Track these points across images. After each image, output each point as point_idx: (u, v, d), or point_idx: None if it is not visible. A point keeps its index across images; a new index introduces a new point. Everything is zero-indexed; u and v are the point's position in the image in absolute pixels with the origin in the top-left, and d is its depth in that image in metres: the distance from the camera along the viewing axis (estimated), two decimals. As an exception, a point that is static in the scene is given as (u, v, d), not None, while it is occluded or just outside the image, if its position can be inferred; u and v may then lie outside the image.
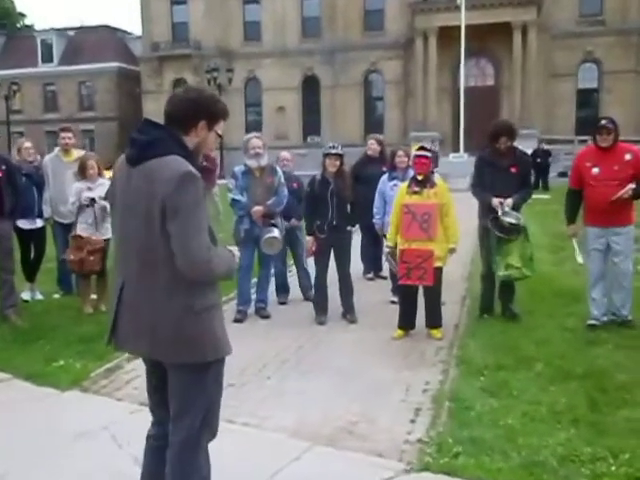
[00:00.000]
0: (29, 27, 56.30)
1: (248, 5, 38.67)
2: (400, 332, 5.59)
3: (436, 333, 5.51)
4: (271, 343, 5.46)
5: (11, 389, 4.53)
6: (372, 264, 8.05)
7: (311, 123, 38.10)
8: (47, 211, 6.96)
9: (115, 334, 2.49)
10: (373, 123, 35.41)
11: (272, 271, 6.79)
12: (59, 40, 45.22)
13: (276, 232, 5.84)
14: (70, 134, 7.20)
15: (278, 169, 6.32)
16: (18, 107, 42.75)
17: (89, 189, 6.23)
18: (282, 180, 6.24)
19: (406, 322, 5.60)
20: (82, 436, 3.66)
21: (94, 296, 6.52)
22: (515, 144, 5.86)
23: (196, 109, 2.39)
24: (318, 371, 4.76)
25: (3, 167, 5.94)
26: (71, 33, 46.55)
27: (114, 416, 3.93)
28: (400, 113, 35.99)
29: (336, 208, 5.97)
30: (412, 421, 3.87)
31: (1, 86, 36.21)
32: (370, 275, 8.03)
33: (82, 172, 6.29)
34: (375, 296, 6.96)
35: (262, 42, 38.47)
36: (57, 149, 7.18)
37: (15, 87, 36.96)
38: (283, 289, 7.05)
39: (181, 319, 2.35)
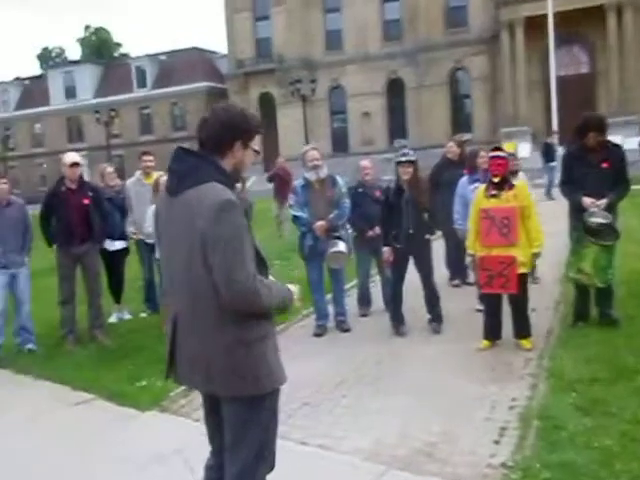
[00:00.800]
0: (125, 55, 59.74)
1: (329, 14, 39.02)
2: (486, 343, 5.27)
3: (525, 343, 5.15)
4: (349, 358, 5.30)
5: (93, 409, 4.65)
6: (458, 270, 7.72)
7: (397, 126, 37.76)
8: (131, 231, 7.17)
9: (173, 368, 2.44)
10: (461, 122, 34.62)
11: (347, 284, 6.60)
12: (152, 65, 47.61)
13: (341, 246, 5.66)
14: (151, 157, 7.42)
15: (339, 180, 6.09)
16: (117, 131, 45.37)
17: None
18: (343, 190, 6.06)
19: (491, 332, 5.27)
20: (155, 460, 3.66)
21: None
22: (613, 134, 5.40)
23: (228, 131, 2.31)
24: (397, 387, 4.55)
25: (91, 194, 6.19)
26: (163, 57, 48.86)
27: (188, 438, 3.90)
28: (489, 110, 34.94)
29: (412, 216, 5.73)
30: (496, 442, 3.60)
31: (101, 113, 38.62)
32: (456, 282, 7.70)
33: (157, 191, 6.39)
34: (460, 304, 6.65)
35: (344, 50, 38.62)
36: (138, 172, 7.41)
37: (113, 113, 39.31)
38: (365, 301, 6.87)
39: (233, 351, 2.27)
